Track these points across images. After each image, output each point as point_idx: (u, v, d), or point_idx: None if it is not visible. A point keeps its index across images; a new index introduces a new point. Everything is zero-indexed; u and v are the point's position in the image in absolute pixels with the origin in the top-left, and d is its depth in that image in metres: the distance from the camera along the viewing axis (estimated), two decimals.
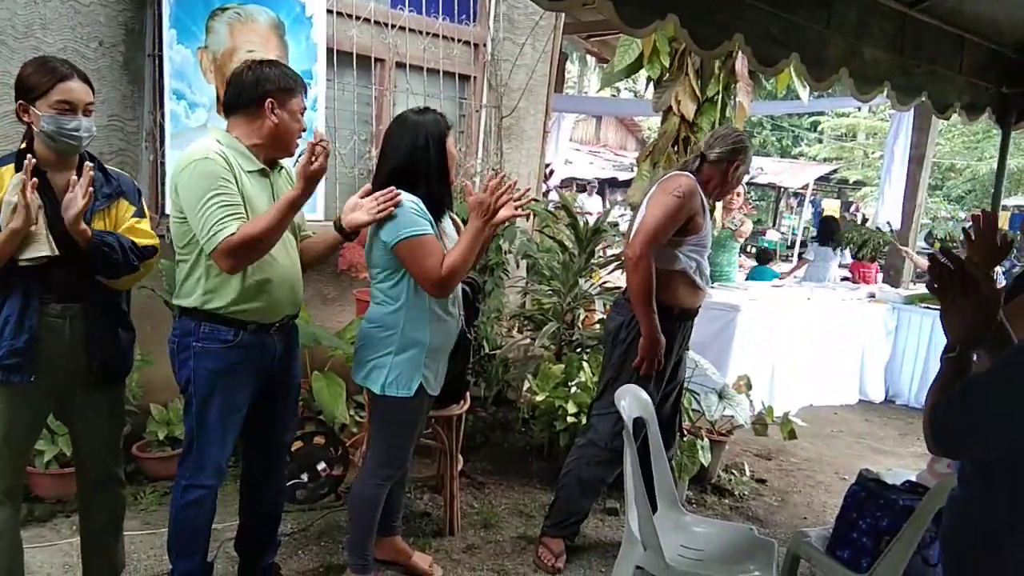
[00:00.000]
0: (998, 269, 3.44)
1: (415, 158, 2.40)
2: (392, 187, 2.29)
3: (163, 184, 3.65)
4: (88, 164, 2.11)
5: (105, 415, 2.31)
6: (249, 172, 2.23)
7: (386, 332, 2.44)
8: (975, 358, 1.47)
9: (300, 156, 2.14)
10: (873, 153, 19.71)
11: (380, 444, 2.57)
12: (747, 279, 6.99)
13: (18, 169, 2.03)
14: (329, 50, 4.08)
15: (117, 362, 2.29)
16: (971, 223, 2.34)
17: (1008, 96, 3.92)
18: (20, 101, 2.05)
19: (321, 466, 3.23)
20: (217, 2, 3.69)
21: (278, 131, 2.25)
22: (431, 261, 2.32)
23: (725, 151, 2.96)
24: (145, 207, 2.34)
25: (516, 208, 2.37)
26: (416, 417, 2.54)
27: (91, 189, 2.04)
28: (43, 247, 2.02)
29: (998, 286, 1.46)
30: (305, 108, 2.31)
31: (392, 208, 2.29)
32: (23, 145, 2.09)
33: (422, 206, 2.37)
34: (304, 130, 2.32)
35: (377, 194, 2.31)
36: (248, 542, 2.62)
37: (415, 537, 3.10)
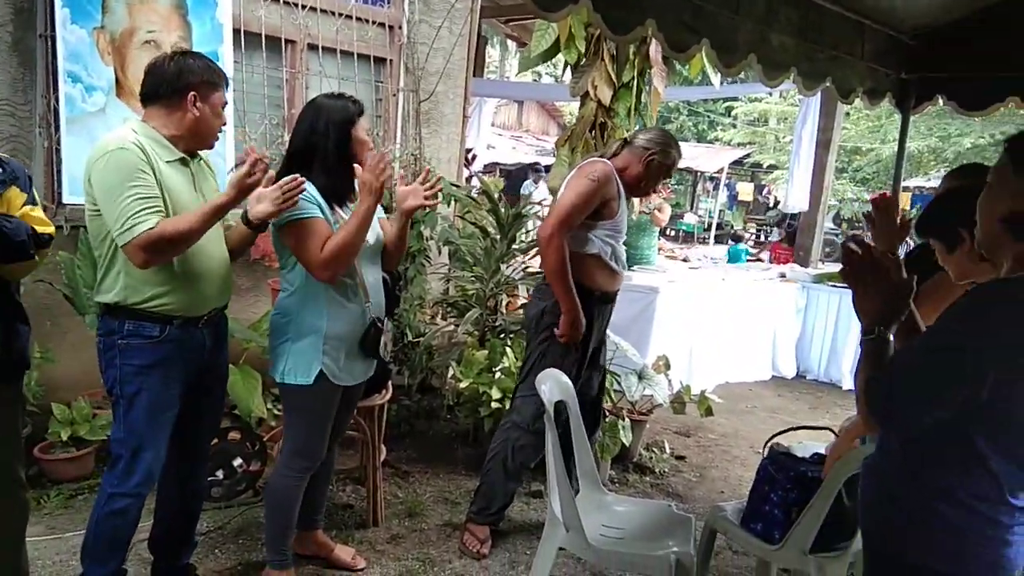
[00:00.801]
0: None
1: (312, 142, 2.37)
2: (296, 176, 2.20)
3: (59, 171, 3.46)
4: None
5: (3, 415, 2.17)
6: (168, 162, 2.16)
7: (284, 319, 2.41)
8: (891, 338, 1.53)
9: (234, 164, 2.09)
10: (784, 137, 20.42)
11: (289, 434, 2.52)
12: (727, 260, 7.10)
13: None
14: (236, 31, 3.93)
15: (14, 357, 2.15)
16: (872, 207, 2.44)
17: (907, 81, 4.11)
18: None
19: (237, 462, 3.13)
20: None
21: (198, 125, 2.19)
22: (313, 244, 2.27)
23: (648, 140, 3.00)
24: (37, 195, 2.21)
25: (426, 196, 2.38)
26: (320, 406, 2.46)
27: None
28: None
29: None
30: (226, 103, 2.26)
31: (297, 197, 2.20)
32: None
33: (312, 191, 2.32)
34: (224, 125, 2.28)
35: (280, 183, 2.20)
36: (163, 542, 2.52)
37: (338, 530, 3.05)
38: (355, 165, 2.39)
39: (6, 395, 2.18)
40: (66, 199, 3.43)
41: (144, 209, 2.02)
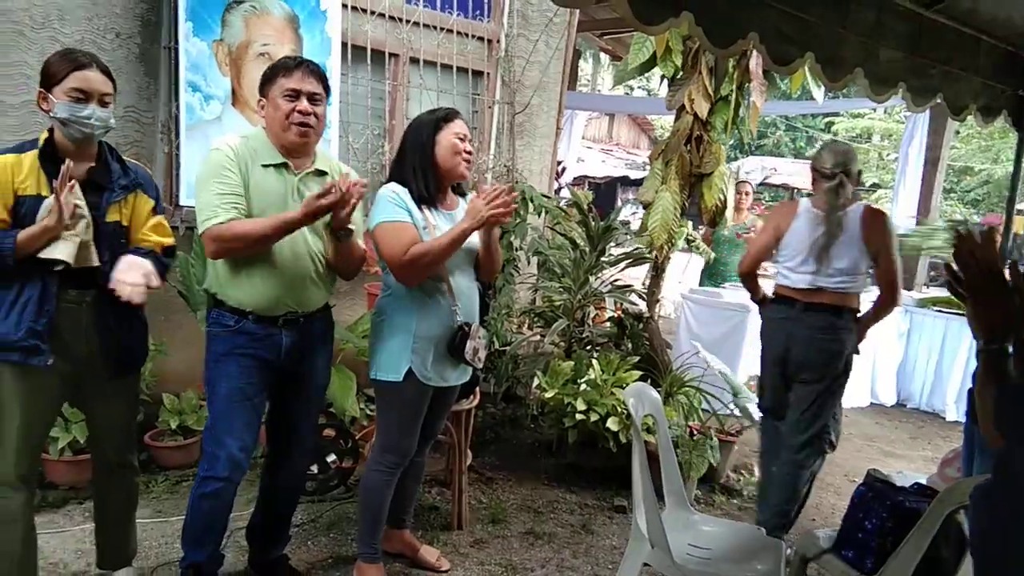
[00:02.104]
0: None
1: (403, 150, 2.52)
2: (359, 180, 2.28)
3: (177, 176, 3.69)
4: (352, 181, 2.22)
5: (122, 403, 2.35)
6: (264, 165, 2.27)
7: (379, 318, 2.54)
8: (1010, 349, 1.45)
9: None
10: (888, 155, 19.57)
11: (380, 429, 2.60)
12: None
13: (41, 157, 2.08)
14: (344, 44, 4.09)
15: (133, 350, 2.32)
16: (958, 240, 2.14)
17: None
18: (41, 88, 2.08)
19: (331, 458, 3.25)
20: None
21: (270, 123, 2.30)
22: (395, 246, 2.35)
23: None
24: (161, 202, 2.37)
25: (503, 211, 2.39)
26: (408, 402, 2.52)
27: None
28: (63, 252, 2.05)
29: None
30: (293, 88, 2.23)
31: (357, 195, 2.24)
32: (46, 134, 2.12)
33: (402, 196, 2.43)
34: (296, 110, 2.23)
35: (348, 185, 2.26)
36: (260, 532, 2.64)
37: (423, 530, 3.11)
38: (477, 188, 2.51)
39: (125, 385, 2.35)
40: (183, 201, 3.65)
41: (220, 203, 2.15)
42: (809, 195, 3.44)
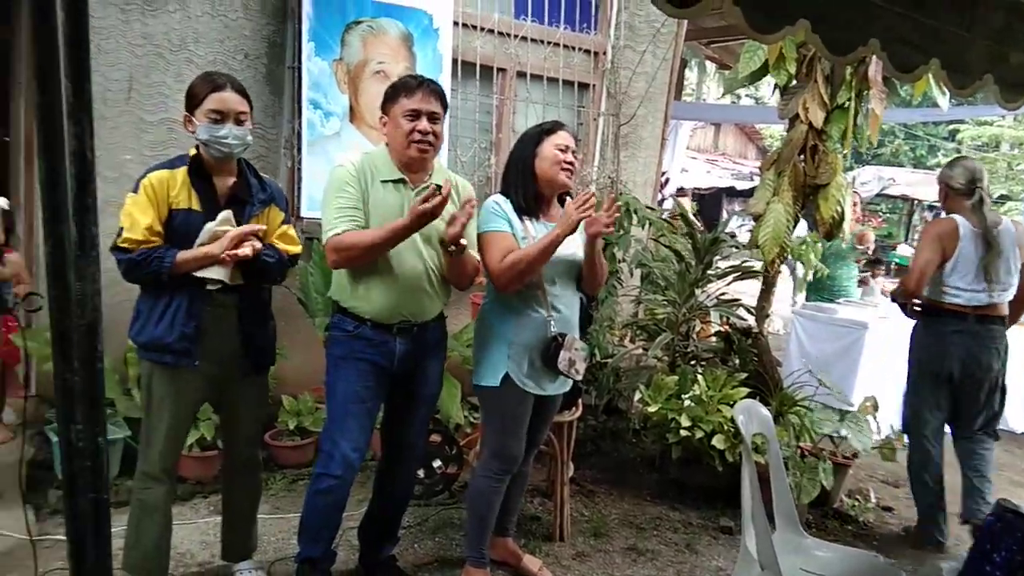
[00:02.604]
0: None
1: (508, 163, 2.63)
2: (470, 198, 2.40)
3: (299, 189, 3.88)
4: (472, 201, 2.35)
5: (254, 402, 2.51)
6: (383, 181, 2.37)
7: (481, 325, 2.64)
8: None
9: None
10: (1018, 164, 18.26)
11: (486, 435, 2.67)
12: None
13: (191, 173, 2.25)
14: (454, 60, 4.21)
15: (267, 350, 2.48)
16: None
17: None
18: (185, 112, 2.25)
19: (437, 463, 3.33)
20: (352, 16, 3.89)
21: (390, 140, 2.40)
22: (493, 254, 2.45)
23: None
24: (290, 214, 2.52)
25: (606, 223, 2.43)
26: (509, 408, 2.57)
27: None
28: (219, 273, 2.23)
29: None
30: (414, 108, 2.31)
31: (466, 214, 2.32)
32: (194, 151, 2.29)
33: (504, 206, 2.52)
34: (416, 129, 2.31)
35: (462, 204, 2.40)
36: (370, 532, 2.74)
37: (525, 539, 3.13)
38: (569, 194, 2.57)
39: (257, 384, 2.50)
40: (304, 213, 3.84)
41: (339, 216, 2.27)
42: (939, 210, 3.59)
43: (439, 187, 2.20)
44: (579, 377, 2.64)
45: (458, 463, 3.37)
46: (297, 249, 2.48)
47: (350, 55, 3.93)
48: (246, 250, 2.22)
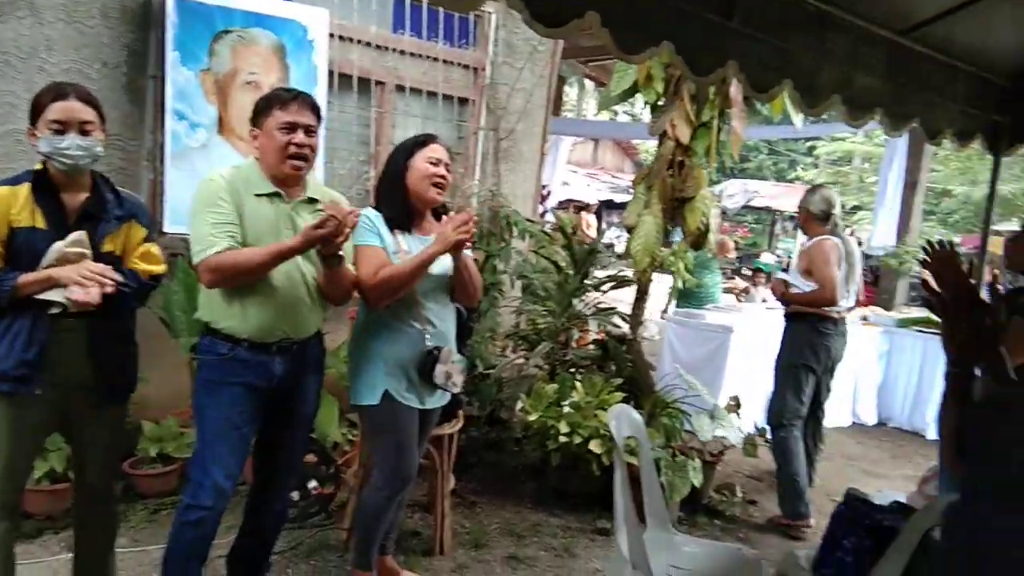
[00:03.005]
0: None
1: (381, 177, 2.64)
2: (354, 210, 2.29)
3: (162, 203, 3.70)
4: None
5: (108, 432, 2.33)
6: (257, 195, 2.29)
7: (356, 343, 2.61)
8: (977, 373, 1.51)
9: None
10: (868, 178, 19.84)
11: (375, 456, 2.66)
12: None
13: (35, 189, 2.10)
14: (330, 73, 4.14)
15: (125, 379, 2.33)
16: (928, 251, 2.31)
17: (999, 123, 3.98)
18: (29, 125, 2.11)
19: (312, 484, 3.24)
20: (220, 25, 3.76)
21: (262, 153, 2.32)
22: (364, 270, 2.44)
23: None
24: (154, 231, 2.39)
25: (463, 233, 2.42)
26: (393, 425, 2.55)
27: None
28: (58, 295, 2.07)
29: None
30: (289, 121, 2.25)
31: (350, 224, 2.22)
32: (39, 166, 2.14)
33: (375, 221, 2.52)
34: (292, 143, 2.25)
35: (341, 213, 2.28)
36: (241, 559, 2.62)
37: (405, 555, 3.10)
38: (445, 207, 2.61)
39: (115, 413, 2.35)
40: (167, 228, 3.65)
41: (215, 233, 2.18)
42: (791, 217, 4.10)
43: (332, 217, 2.15)
44: (457, 390, 2.65)
45: (335, 483, 3.30)
46: (160, 269, 2.34)
47: (219, 65, 3.79)
48: (93, 295, 2.05)
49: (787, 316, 4.04)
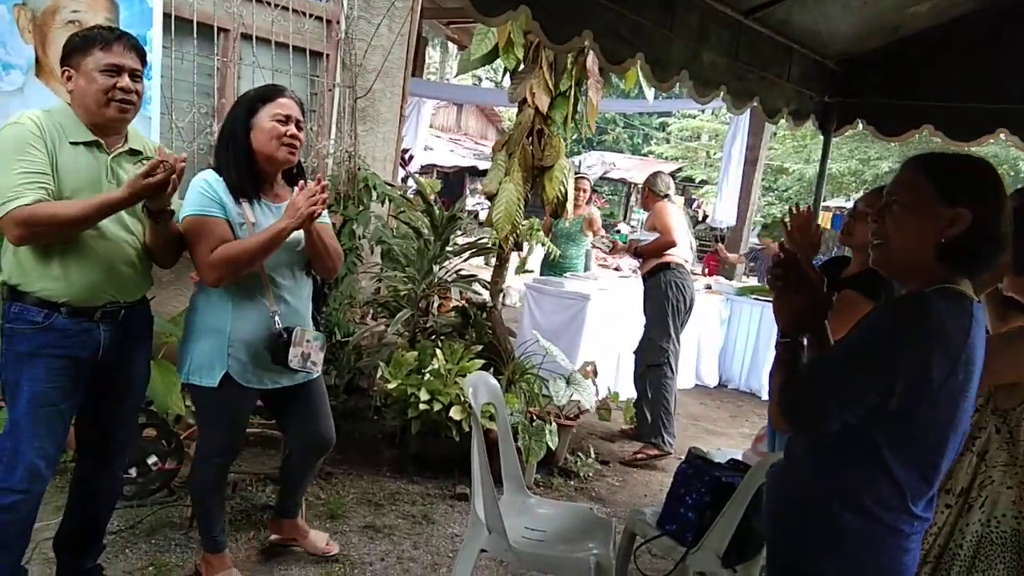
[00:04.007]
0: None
1: (220, 135, 2.37)
2: (181, 155, 2.09)
3: None
4: None
5: None
6: (73, 143, 2.06)
7: (192, 316, 2.39)
8: (804, 343, 1.60)
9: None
10: (715, 154, 21.01)
11: (201, 433, 2.54)
12: None
13: None
14: (166, 15, 3.80)
15: None
16: (789, 216, 2.57)
17: (830, 105, 4.30)
18: None
19: (152, 459, 3.03)
20: None
21: (77, 97, 2.08)
22: (202, 245, 2.24)
23: None
24: None
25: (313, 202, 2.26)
26: (227, 409, 2.42)
27: None
28: None
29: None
30: (113, 63, 2.04)
31: (165, 177, 1.97)
32: None
33: (215, 187, 2.28)
34: (118, 87, 2.05)
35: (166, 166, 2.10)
36: (69, 542, 2.41)
37: (256, 530, 2.98)
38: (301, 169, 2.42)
39: None
40: None
41: (24, 183, 1.93)
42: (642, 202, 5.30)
43: (163, 163, 1.95)
44: (318, 370, 2.53)
45: (178, 457, 3.10)
46: None
47: (36, 1, 3.38)
48: None
49: (645, 276, 4.76)
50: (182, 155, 2.09)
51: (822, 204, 5.05)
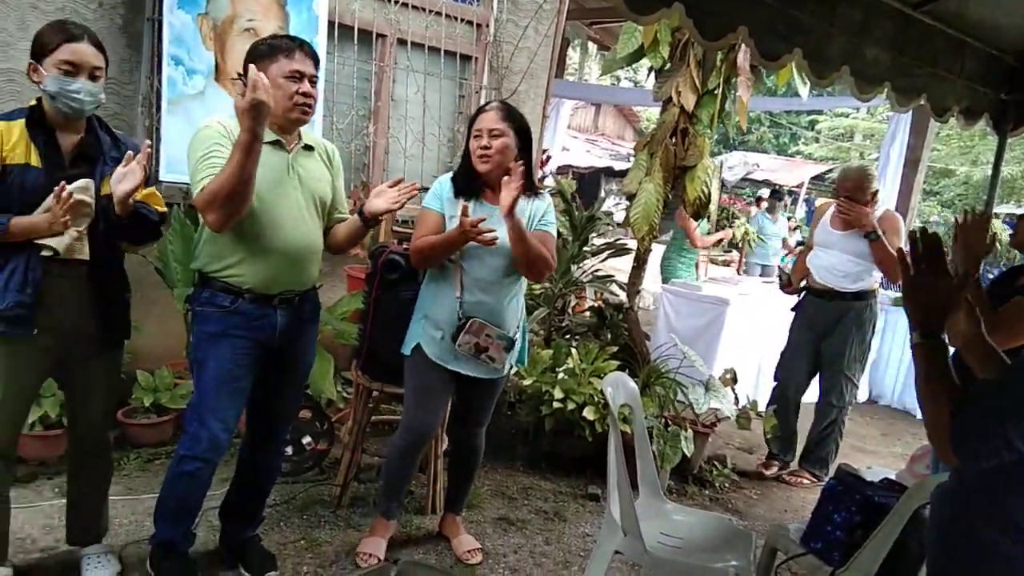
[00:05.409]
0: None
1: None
2: (414, 181, 2.43)
3: (158, 150, 3.62)
4: (146, 143, 2.17)
5: (103, 379, 2.32)
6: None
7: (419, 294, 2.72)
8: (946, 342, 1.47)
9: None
10: (870, 155, 19.78)
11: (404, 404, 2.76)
12: None
13: (29, 126, 2.05)
14: (331, 23, 4.04)
15: (121, 324, 2.31)
16: (962, 218, 2.39)
17: (1006, 102, 3.94)
18: (31, 60, 2.04)
19: (306, 440, 3.24)
20: None
21: None
22: (415, 232, 2.59)
23: None
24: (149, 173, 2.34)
25: (395, 200, 2.40)
26: (417, 379, 2.64)
27: (136, 163, 2.06)
28: (52, 242, 2.05)
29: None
30: (296, 70, 2.20)
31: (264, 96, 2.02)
32: (34, 102, 2.09)
33: (443, 185, 2.61)
34: (300, 92, 2.21)
35: (402, 186, 2.41)
36: (234, 511, 2.63)
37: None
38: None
39: (109, 360, 2.32)
40: (163, 176, 3.59)
41: (207, 175, 2.10)
42: (791, 191, 4.07)
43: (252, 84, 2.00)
44: (496, 365, 2.61)
45: (329, 439, 3.30)
46: (164, 208, 2.31)
47: (217, 10, 3.69)
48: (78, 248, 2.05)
49: (849, 294, 3.93)
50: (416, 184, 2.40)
51: (993, 210, 4.61)
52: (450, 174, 2.64)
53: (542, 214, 2.64)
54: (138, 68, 3.63)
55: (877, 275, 3.93)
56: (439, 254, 2.52)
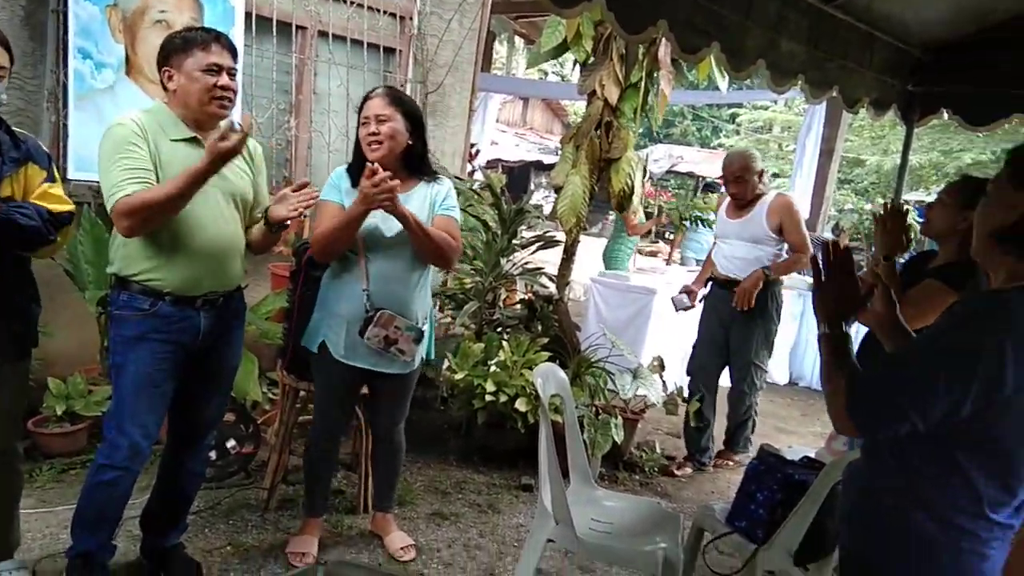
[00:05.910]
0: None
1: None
2: (313, 188, 2.39)
3: (65, 147, 3.46)
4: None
5: (8, 389, 2.19)
6: (174, 140, 2.17)
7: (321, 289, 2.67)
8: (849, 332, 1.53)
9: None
10: (787, 146, 20.45)
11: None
12: None
13: None
14: (248, 15, 3.93)
15: (25, 334, 2.19)
16: (882, 210, 2.48)
17: (913, 94, 4.13)
18: None
19: (231, 443, 3.15)
20: None
21: (179, 96, 2.18)
22: (315, 225, 2.54)
23: None
24: (55, 171, 2.23)
25: (295, 208, 2.31)
26: (324, 376, 2.64)
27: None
28: None
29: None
30: (214, 63, 2.14)
31: (240, 140, 2.04)
32: None
33: (341, 176, 2.58)
34: (218, 85, 2.15)
35: (302, 193, 2.33)
36: (156, 519, 2.54)
37: (327, 515, 3.06)
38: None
39: (16, 371, 2.20)
40: (71, 175, 3.43)
41: (127, 179, 2.03)
42: (713, 184, 4.05)
43: (234, 125, 2.05)
44: (406, 358, 2.57)
45: (255, 442, 3.22)
46: (67, 207, 2.17)
47: (126, 1, 3.54)
48: None
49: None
50: (245, 116, 2.19)
51: (902, 198, 4.84)
52: (345, 166, 2.60)
53: (443, 198, 2.63)
54: (43, 62, 3.45)
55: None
56: (344, 235, 2.42)
